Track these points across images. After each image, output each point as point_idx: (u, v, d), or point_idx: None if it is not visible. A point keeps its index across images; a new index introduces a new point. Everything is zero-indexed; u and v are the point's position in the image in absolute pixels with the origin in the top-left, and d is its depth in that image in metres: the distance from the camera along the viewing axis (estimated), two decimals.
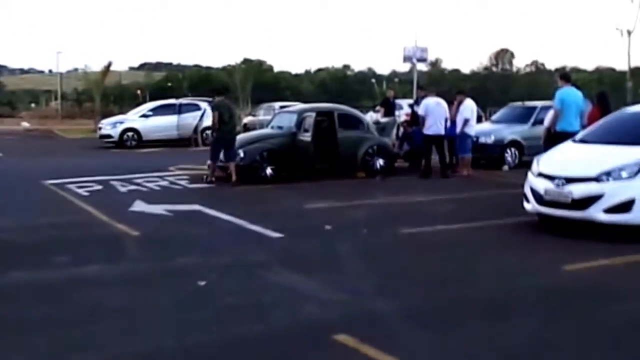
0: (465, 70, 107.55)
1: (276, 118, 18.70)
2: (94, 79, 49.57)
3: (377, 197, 14.57)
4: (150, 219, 12.15)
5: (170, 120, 27.70)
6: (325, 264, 9.04)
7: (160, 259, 9.31)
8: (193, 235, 10.78)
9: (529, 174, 11.37)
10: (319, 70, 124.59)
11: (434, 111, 17.84)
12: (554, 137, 14.82)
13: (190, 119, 27.78)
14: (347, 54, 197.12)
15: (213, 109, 17.06)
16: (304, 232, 11.00)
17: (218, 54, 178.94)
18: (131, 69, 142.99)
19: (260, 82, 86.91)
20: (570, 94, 14.92)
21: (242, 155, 16.35)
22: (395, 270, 8.69)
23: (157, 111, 28.53)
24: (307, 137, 16.71)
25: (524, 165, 19.48)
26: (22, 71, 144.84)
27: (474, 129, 18.26)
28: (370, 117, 25.71)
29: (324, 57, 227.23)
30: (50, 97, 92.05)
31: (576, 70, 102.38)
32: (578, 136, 12.20)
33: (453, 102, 18.72)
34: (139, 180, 16.66)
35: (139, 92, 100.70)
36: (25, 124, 39.28)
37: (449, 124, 18.03)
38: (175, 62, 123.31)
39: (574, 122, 14.80)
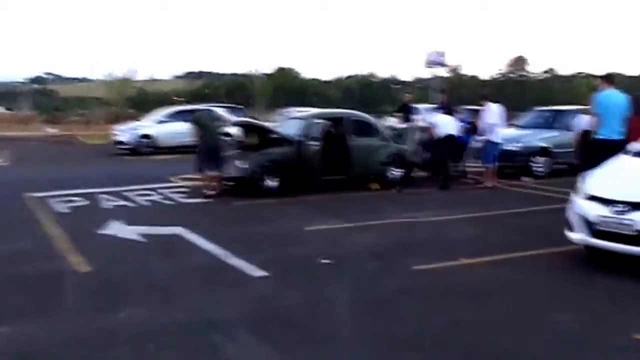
0: (483, 76, 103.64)
1: (283, 125, 15.64)
2: (117, 86, 46.81)
3: (390, 214, 11.57)
4: (117, 247, 9.26)
5: (185, 126, 24.46)
6: (311, 326, 6.09)
7: (97, 314, 6.43)
8: (156, 274, 7.86)
9: (574, 196, 8.30)
10: (346, 77, 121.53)
11: (444, 118, 15.64)
12: (594, 146, 11.85)
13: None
14: (372, 62, 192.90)
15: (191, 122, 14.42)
16: (295, 269, 8.04)
17: (254, 63, 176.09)
18: (176, 77, 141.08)
19: (289, 89, 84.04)
20: (611, 97, 11.81)
21: (242, 166, 13.40)
22: (404, 338, 5.72)
23: (172, 117, 25.42)
24: (314, 146, 13.70)
25: (553, 175, 16.49)
26: (76, 79, 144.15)
27: (499, 136, 15.12)
28: (389, 122, 22.54)
29: (351, 65, 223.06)
30: (98, 104, 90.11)
31: (590, 76, 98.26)
32: (634, 148, 9.05)
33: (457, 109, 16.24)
34: (130, 194, 13.80)
35: (175, 98, 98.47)
36: (50, 130, 36.67)
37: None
38: (215, 71, 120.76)
39: (617, 128, 11.71)
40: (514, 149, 16.42)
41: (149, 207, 12.52)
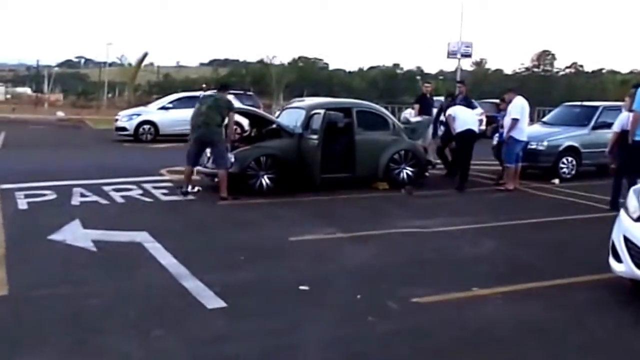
0: (508, 71, 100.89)
1: (283, 115, 13.74)
2: (129, 71, 45.03)
3: (395, 222, 9.72)
4: (59, 258, 7.47)
5: (190, 113, 22.64)
6: None
7: None
8: (86, 302, 6.01)
9: (622, 216, 6.39)
10: (371, 68, 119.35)
11: (464, 111, 13.61)
12: (632, 149, 10.01)
13: None
14: (398, 53, 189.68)
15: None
16: (262, 298, 6.20)
17: (280, 52, 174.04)
18: (201, 64, 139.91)
19: (314, 79, 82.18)
20: None
21: (232, 160, 11.62)
22: None
23: (177, 103, 23.52)
24: (313, 139, 11.83)
25: (581, 177, 14.54)
26: (105, 64, 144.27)
27: (524, 133, 13.13)
28: (409, 114, 20.56)
29: (376, 56, 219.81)
30: (124, 88, 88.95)
31: (613, 72, 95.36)
32: None
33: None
34: (108, 188, 12.06)
35: (204, 85, 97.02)
36: (59, 114, 35.09)
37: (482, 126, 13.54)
38: (241, 59, 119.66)
39: None
40: (538, 147, 14.43)
41: (121, 205, 10.77)
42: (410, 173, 12.97)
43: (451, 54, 36.39)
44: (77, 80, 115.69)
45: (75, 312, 5.72)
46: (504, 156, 13.32)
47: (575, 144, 14.68)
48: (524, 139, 13.08)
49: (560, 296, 6.39)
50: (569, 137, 14.79)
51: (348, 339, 5.25)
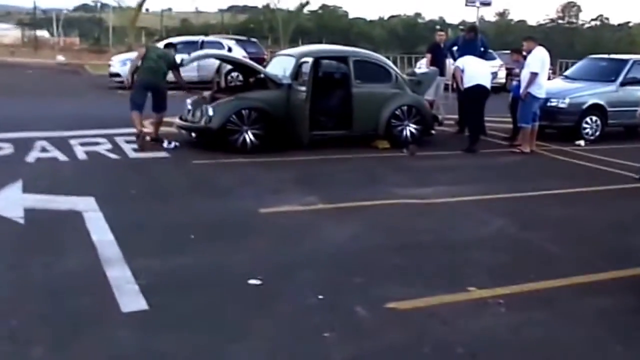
0: (532, 22, 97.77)
1: (272, 63, 12.17)
2: (128, 15, 42.89)
3: (390, 189, 8.32)
4: None
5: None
6: None
7: None
8: None
9: None
10: (392, 17, 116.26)
11: (475, 64, 12.01)
12: None
13: (212, 59, 20.84)
14: (420, 2, 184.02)
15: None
16: (197, 297, 4.83)
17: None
18: (220, 10, 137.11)
19: (333, 28, 79.83)
20: None
21: (210, 113, 10.20)
22: None
23: (176, 49, 21.86)
24: (302, 92, 10.34)
25: (607, 139, 12.95)
26: (121, 9, 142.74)
27: (543, 88, 11.54)
28: (420, 64, 18.86)
29: (397, 4, 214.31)
30: (140, 32, 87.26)
31: None
32: None
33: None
34: (75, 141, 10.70)
35: (225, 33, 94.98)
36: (60, 58, 33.59)
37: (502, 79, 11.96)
38: (260, 6, 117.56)
39: None
40: (559, 105, 12.81)
41: (80, 163, 9.39)
42: (413, 131, 11.47)
43: (469, 2, 34.11)
44: (94, 25, 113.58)
45: None
46: (519, 114, 11.75)
47: (601, 102, 13.00)
48: (543, 95, 11.50)
49: (580, 301, 4.99)
50: (594, 93, 13.11)
51: None
